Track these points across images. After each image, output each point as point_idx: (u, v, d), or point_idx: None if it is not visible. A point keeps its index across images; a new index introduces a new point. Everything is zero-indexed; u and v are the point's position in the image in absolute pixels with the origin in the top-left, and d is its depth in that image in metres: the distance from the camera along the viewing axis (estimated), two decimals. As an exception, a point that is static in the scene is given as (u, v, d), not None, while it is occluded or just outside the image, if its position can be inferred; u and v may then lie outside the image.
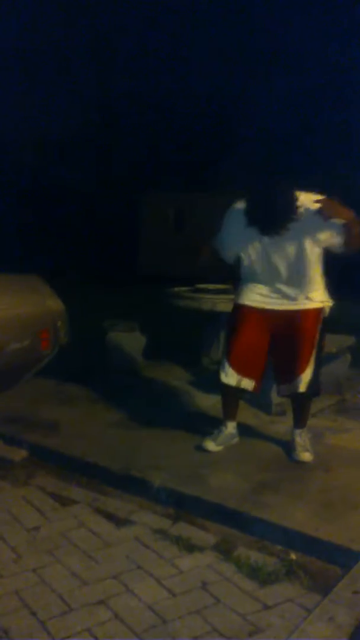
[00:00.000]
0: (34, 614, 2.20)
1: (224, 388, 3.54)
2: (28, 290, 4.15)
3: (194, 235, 16.03)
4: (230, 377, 3.43)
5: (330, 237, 3.19)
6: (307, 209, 3.15)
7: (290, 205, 3.12)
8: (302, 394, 3.39)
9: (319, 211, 3.07)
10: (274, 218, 3.14)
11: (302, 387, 3.35)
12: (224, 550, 2.63)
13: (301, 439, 3.49)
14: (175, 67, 15.41)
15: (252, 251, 3.37)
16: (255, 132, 13.49)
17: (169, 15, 15.21)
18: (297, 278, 3.33)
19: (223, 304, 4.38)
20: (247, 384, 3.46)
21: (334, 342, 4.69)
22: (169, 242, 16.72)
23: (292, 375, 3.37)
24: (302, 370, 3.32)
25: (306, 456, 3.39)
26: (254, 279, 3.44)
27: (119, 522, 2.87)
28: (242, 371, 3.43)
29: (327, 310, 3.44)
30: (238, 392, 3.56)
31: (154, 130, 16.29)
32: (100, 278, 13.84)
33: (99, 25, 16.19)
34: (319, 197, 3.15)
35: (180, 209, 16.76)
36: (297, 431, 3.53)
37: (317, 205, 3.09)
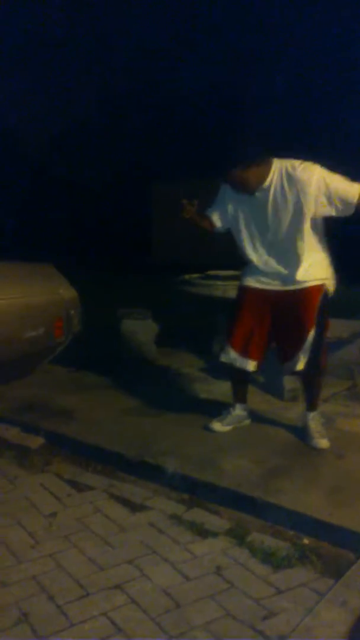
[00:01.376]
0: (51, 598, 2.25)
1: (231, 370, 3.58)
2: (42, 279, 4.19)
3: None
4: (229, 356, 3.48)
5: (323, 209, 3.19)
6: (289, 174, 3.16)
7: (250, 151, 3.19)
8: (301, 372, 3.39)
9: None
10: (234, 165, 3.20)
11: (300, 365, 3.34)
12: (238, 535, 2.66)
13: (314, 423, 3.50)
14: (179, 64, 15.31)
15: (240, 225, 3.40)
16: (264, 114, 13.38)
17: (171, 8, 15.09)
18: (289, 252, 3.30)
19: (234, 291, 4.37)
20: (246, 364, 3.48)
21: (345, 327, 4.69)
22: (181, 229, 16.66)
23: (291, 353, 3.37)
24: (300, 348, 3.31)
25: (324, 443, 3.40)
26: (249, 257, 3.44)
27: (134, 507, 2.91)
28: (241, 351, 3.46)
29: (331, 289, 3.41)
30: (244, 373, 3.58)
31: (162, 118, 16.20)
32: (113, 266, 13.85)
33: (99, 19, 16.08)
34: (298, 162, 3.17)
35: (192, 195, 16.68)
36: (310, 415, 3.53)
37: (303, 174, 3.13)
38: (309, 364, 3.34)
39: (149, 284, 10.41)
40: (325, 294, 3.37)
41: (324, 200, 3.16)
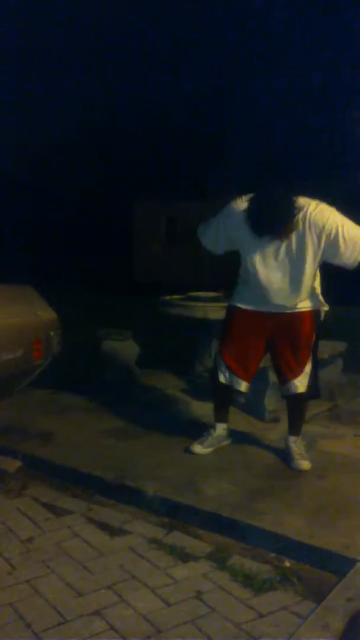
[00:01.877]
0: (29, 626, 2.20)
1: (216, 389, 3.59)
2: (20, 300, 4.16)
3: (187, 243, 16.09)
4: (226, 377, 3.49)
5: (332, 257, 3.22)
6: (307, 218, 3.15)
7: (289, 210, 3.10)
8: (302, 394, 3.43)
9: None
10: (271, 221, 3.12)
11: (302, 388, 3.40)
12: (219, 558, 2.64)
13: (297, 446, 3.50)
14: (167, 78, 15.49)
15: (251, 251, 3.31)
16: (250, 141, 13.54)
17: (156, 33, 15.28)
18: (294, 285, 3.30)
19: (215, 312, 4.39)
20: (239, 384, 3.50)
21: (326, 348, 4.70)
22: (163, 250, 16.76)
23: (290, 375, 3.41)
24: (301, 371, 3.38)
25: (305, 464, 3.40)
26: (250, 280, 3.40)
27: (113, 531, 2.87)
28: (235, 371, 3.47)
29: (323, 314, 3.47)
30: (230, 393, 3.59)
31: (147, 138, 16.33)
32: (94, 286, 13.83)
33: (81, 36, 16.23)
34: (319, 203, 3.18)
35: (173, 216, 16.79)
36: (292, 438, 3.54)
37: (321, 220, 3.12)
38: (309, 386, 3.41)
39: (130, 304, 10.41)
40: (318, 318, 3.44)
41: (341, 248, 3.16)
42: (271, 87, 13.41)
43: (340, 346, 4.90)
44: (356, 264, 3.19)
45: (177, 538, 2.80)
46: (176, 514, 2.97)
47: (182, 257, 15.81)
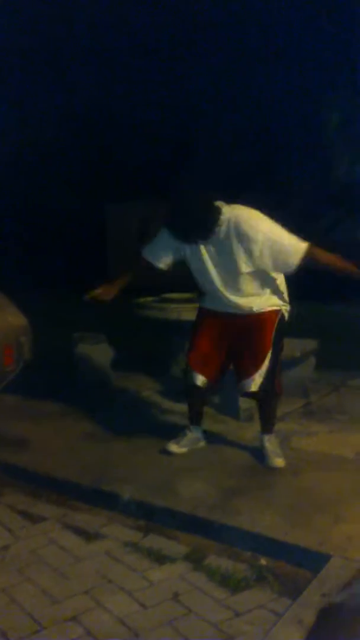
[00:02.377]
0: (4, 634, 2.18)
1: (188, 391, 3.59)
2: (-10, 306, 4.13)
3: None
4: (194, 378, 3.49)
5: (264, 266, 3.24)
6: (231, 224, 3.18)
7: (202, 215, 3.15)
8: (256, 393, 3.43)
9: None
10: (186, 227, 3.19)
11: (254, 387, 3.38)
12: (195, 559, 2.65)
13: (271, 444, 3.53)
14: (136, 86, 15.50)
15: (190, 256, 3.39)
16: (219, 139, 13.58)
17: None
18: (234, 287, 3.34)
19: (188, 313, 4.39)
20: (196, 378, 3.50)
21: (298, 346, 4.75)
22: (135, 251, 16.73)
23: (247, 374, 3.40)
24: (255, 370, 3.35)
25: (279, 462, 3.43)
26: (203, 287, 3.48)
27: (89, 537, 2.86)
28: (198, 369, 3.48)
29: (287, 314, 3.47)
30: (202, 394, 3.59)
31: (116, 138, 16.31)
32: (67, 289, 13.76)
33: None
34: (246, 214, 3.20)
35: (145, 217, 16.80)
36: (266, 437, 3.56)
37: (250, 230, 3.14)
38: (263, 385, 3.38)
39: (104, 307, 10.37)
40: (282, 318, 3.44)
41: (267, 261, 3.19)
42: (243, 89, 13.47)
43: (312, 343, 4.94)
44: (294, 269, 3.20)
45: (154, 540, 2.81)
46: (152, 517, 2.98)
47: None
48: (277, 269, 3.25)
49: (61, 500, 3.23)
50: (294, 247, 3.15)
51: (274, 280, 3.39)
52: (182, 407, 4.28)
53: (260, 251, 3.16)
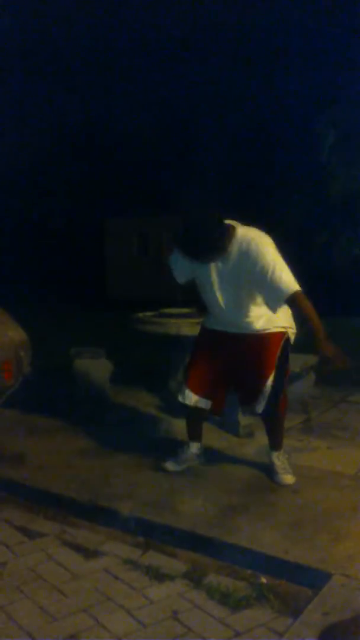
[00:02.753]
0: (2, 654, 2.16)
1: (187, 408, 3.57)
2: (-10, 321, 4.12)
3: (158, 258, 16.11)
4: (186, 397, 3.47)
5: (257, 289, 3.26)
6: (240, 245, 3.21)
7: (211, 234, 3.16)
8: (260, 415, 3.42)
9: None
10: (194, 248, 3.21)
11: (259, 409, 3.36)
12: (195, 577, 2.62)
13: (279, 460, 3.50)
14: (133, 102, 15.61)
15: (199, 275, 3.42)
16: (219, 155, 13.66)
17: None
18: (238, 307, 3.35)
19: (188, 328, 4.39)
20: (204, 403, 3.49)
21: (298, 361, 4.74)
22: (135, 265, 16.78)
23: (250, 396, 3.39)
24: (260, 391, 3.33)
25: (288, 478, 3.41)
26: (209, 305, 3.49)
27: (88, 553, 2.84)
28: (198, 391, 3.46)
29: (292, 336, 3.45)
30: (200, 412, 3.58)
31: (116, 154, 16.38)
32: (67, 303, 13.77)
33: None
34: (255, 237, 3.22)
35: (145, 232, 16.85)
36: (274, 453, 3.53)
37: (256, 254, 3.17)
38: (268, 407, 3.36)
39: (102, 322, 10.38)
40: (287, 340, 3.42)
41: (263, 284, 3.20)
42: (239, 102, 13.57)
43: (312, 359, 4.93)
44: (277, 304, 3.21)
45: (153, 558, 2.79)
46: (151, 534, 2.96)
47: (154, 272, 15.84)
48: (265, 295, 3.24)
49: (59, 517, 3.20)
50: (288, 283, 3.16)
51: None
52: (181, 423, 4.26)
53: (262, 271, 3.16)
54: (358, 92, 12.27)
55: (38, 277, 16.33)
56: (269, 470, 3.51)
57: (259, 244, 3.21)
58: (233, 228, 3.24)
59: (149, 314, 5.12)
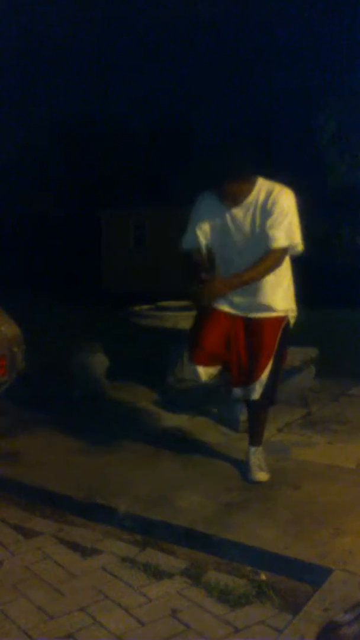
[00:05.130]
0: (-2, 654, 2.12)
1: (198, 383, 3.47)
2: (-17, 317, 4.08)
3: (154, 250, 16.07)
4: (198, 375, 3.33)
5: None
6: (266, 189, 3.19)
7: (241, 159, 3.18)
8: (255, 401, 3.36)
9: None
10: (222, 165, 3.20)
11: (256, 395, 3.30)
12: (194, 574, 2.59)
13: (256, 457, 3.42)
14: (131, 96, 15.56)
15: (215, 230, 3.31)
16: (214, 143, 13.65)
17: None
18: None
19: (185, 321, 4.35)
20: (207, 374, 3.34)
21: (298, 355, 4.70)
22: (130, 256, 16.74)
23: (248, 380, 3.32)
24: (258, 376, 3.27)
25: (261, 475, 3.33)
26: (220, 267, 3.32)
27: (85, 552, 2.80)
28: (208, 363, 3.32)
29: (292, 321, 3.39)
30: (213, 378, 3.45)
31: (112, 145, 16.33)
32: (62, 297, 13.73)
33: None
34: (279, 187, 3.20)
35: (141, 224, 16.80)
36: (252, 449, 3.44)
37: (277, 200, 3.14)
38: (264, 394, 3.31)
39: (98, 315, 10.34)
40: (287, 325, 3.37)
41: (277, 227, 3.15)
42: (238, 95, 13.54)
43: (312, 352, 4.90)
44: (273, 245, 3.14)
45: (151, 555, 2.75)
46: (149, 531, 2.92)
47: (151, 264, 15.81)
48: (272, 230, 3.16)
49: (56, 515, 3.16)
50: (280, 236, 3.13)
51: (286, 272, 3.33)
52: (178, 418, 4.25)
53: (273, 214, 3.14)
54: (356, 85, 12.24)
55: (33, 270, 16.30)
56: (243, 466, 3.43)
57: (283, 192, 3.18)
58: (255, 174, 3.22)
59: (145, 307, 5.08)
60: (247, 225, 3.23)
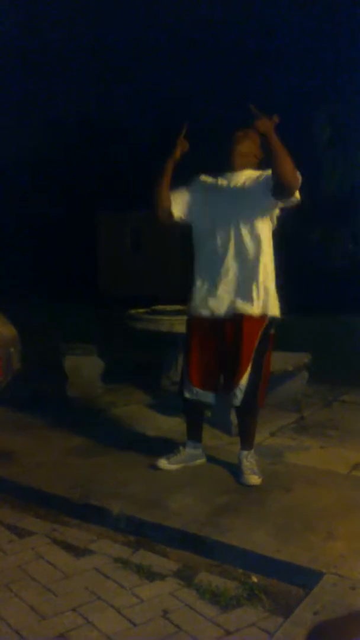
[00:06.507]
0: (-10, 653, 2.13)
1: (186, 406, 3.54)
2: (-21, 317, 4.09)
3: (151, 253, 16.09)
4: (191, 392, 3.43)
5: (267, 192, 3.21)
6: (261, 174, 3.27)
7: (246, 141, 3.31)
8: (238, 408, 3.38)
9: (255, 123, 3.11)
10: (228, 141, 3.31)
11: (237, 402, 3.32)
12: (186, 576, 2.60)
13: (248, 461, 3.43)
14: (120, 96, 15.61)
15: (202, 219, 3.38)
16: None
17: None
18: (247, 261, 3.28)
19: (180, 325, 4.36)
20: (207, 396, 3.46)
21: (290, 360, 4.73)
22: (127, 260, 16.74)
23: (228, 387, 3.34)
24: (237, 383, 3.28)
25: (254, 479, 3.34)
26: (202, 267, 3.41)
27: (78, 552, 2.81)
28: (200, 384, 3.42)
29: (274, 323, 3.37)
30: (200, 409, 3.56)
31: (109, 148, 16.35)
32: (58, 299, 13.72)
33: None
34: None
35: (137, 227, 16.81)
36: (244, 453, 3.46)
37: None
38: (245, 401, 3.31)
39: (94, 318, 10.35)
40: (268, 328, 3.35)
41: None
42: (234, 97, 13.59)
43: (305, 357, 4.93)
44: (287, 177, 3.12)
45: (144, 556, 2.76)
46: (142, 532, 2.93)
47: (147, 268, 15.83)
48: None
49: (49, 515, 3.17)
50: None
51: (271, 271, 3.33)
52: (172, 421, 4.27)
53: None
54: (353, 89, 12.29)
55: (29, 272, 16.28)
56: (236, 470, 3.44)
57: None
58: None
59: (141, 310, 5.10)
60: (236, 195, 3.30)
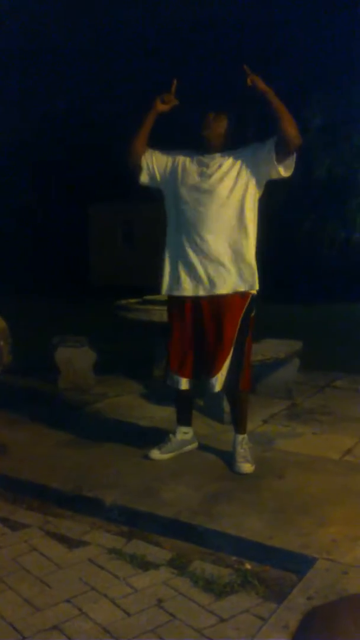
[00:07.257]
0: (-16, 646, 2.13)
1: (175, 393, 3.53)
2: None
3: (142, 246, 16.06)
4: (175, 381, 3.42)
5: (268, 153, 3.20)
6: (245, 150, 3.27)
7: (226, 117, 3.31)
8: (221, 393, 3.37)
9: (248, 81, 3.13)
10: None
11: (218, 387, 3.28)
12: (179, 565, 2.61)
13: (242, 448, 3.42)
14: (114, 85, 15.51)
15: (178, 190, 3.33)
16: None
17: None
18: (226, 233, 3.22)
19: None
20: (184, 382, 3.42)
21: (282, 347, 4.73)
22: (118, 252, 16.70)
23: (208, 373, 3.30)
24: (218, 369, 3.25)
25: (247, 467, 3.33)
26: (177, 237, 3.34)
27: (72, 543, 2.81)
28: (185, 373, 3.40)
29: (255, 303, 3.33)
30: (190, 396, 3.54)
31: (100, 141, 16.26)
32: (49, 292, 13.69)
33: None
34: None
35: (128, 219, 16.76)
36: (239, 438, 3.44)
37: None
38: (227, 384, 3.28)
39: (86, 310, 10.32)
40: (250, 304, 3.29)
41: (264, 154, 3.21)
42: (225, 86, 13.54)
43: (296, 345, 4.93)
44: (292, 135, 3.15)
45: (137, 546, 2.77)
46: (135, 522, 2.94)
47: (138, 261, 15.79)
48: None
49: (42, 507, 3.17)
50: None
51: (250, 250, 3.28)
52: (165, 411, 4.26)
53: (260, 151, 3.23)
54: (342, 78, 12.27)
55: (20, 265, 16.22)
56: (229, 458, 3.43)
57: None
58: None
59: (132, 301, 5.09)
60: (213, 178, 3.26)
